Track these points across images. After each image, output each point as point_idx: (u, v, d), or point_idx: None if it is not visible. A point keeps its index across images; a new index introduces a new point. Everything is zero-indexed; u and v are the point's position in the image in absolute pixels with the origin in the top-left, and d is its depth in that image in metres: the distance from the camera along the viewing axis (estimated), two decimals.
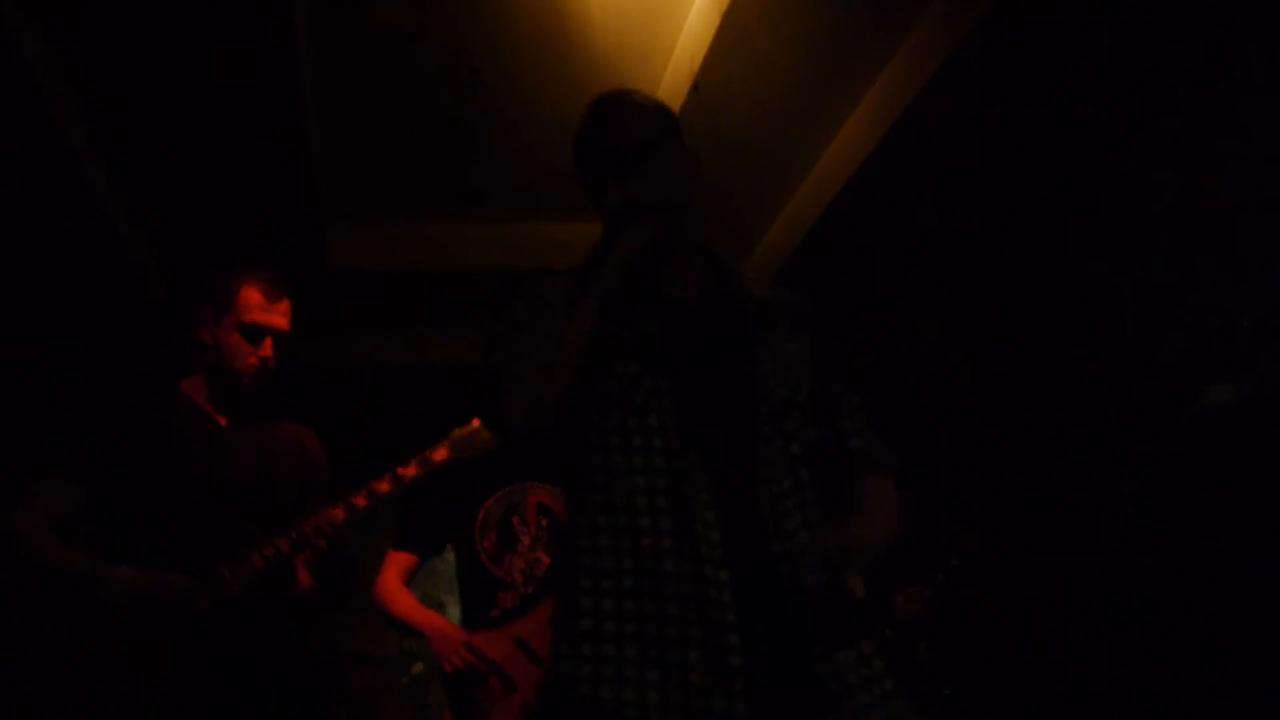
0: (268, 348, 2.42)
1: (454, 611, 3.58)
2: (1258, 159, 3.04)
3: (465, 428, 2.54)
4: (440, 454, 2.49)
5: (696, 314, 1.73)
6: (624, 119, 1.74)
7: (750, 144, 4.00)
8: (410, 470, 2.44)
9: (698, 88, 3.54)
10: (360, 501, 2.37)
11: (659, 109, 1.79)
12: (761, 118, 3.87)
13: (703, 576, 1.53)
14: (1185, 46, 3.20)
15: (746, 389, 1.66)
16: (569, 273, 1.73)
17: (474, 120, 4.01)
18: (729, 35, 3.33)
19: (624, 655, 1.53)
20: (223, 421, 2.46)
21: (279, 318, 2.45)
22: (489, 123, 4.03)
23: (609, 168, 1.70)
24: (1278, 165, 2.96)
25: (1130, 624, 3.49)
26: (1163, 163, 3.43)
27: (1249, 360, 3.01)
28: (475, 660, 2.76)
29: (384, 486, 2.42)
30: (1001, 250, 4.30)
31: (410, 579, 3.11)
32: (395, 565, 3.04)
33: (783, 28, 3.39)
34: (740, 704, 1.47)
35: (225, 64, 3.27)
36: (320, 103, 3.70)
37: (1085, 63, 3.31)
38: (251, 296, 2.42)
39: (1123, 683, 3.51)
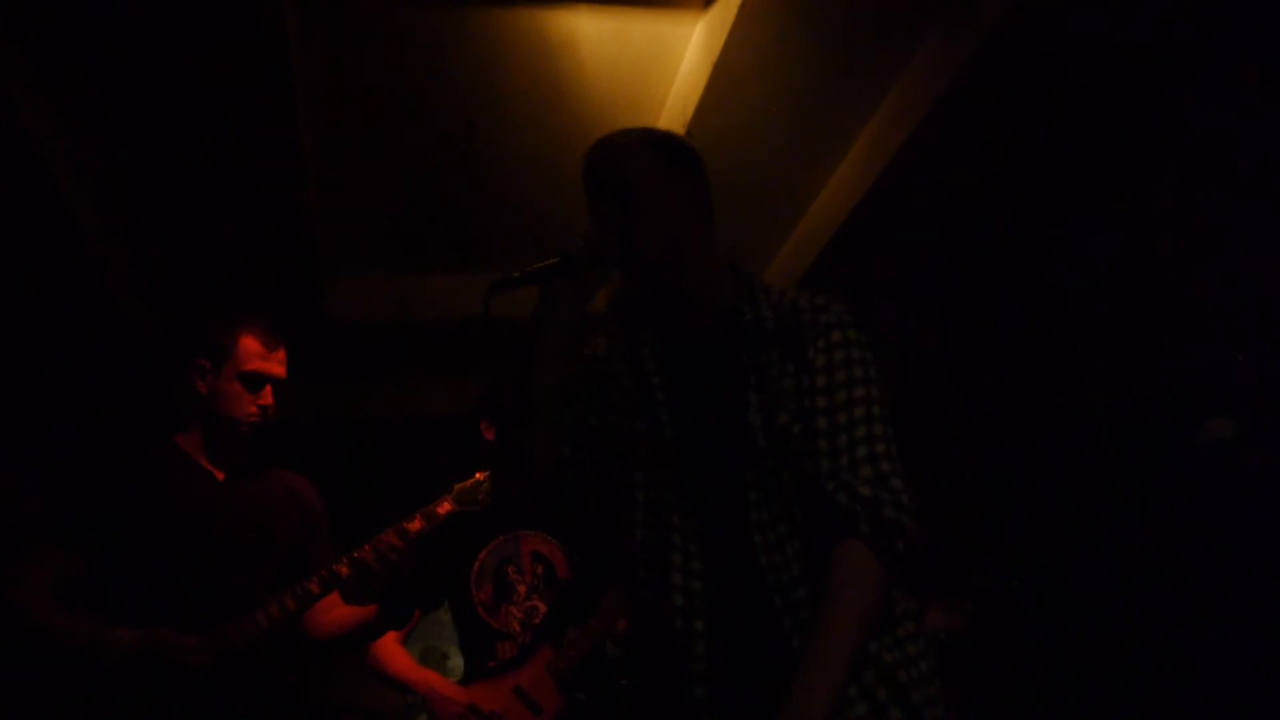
0: (268, 396, 2.42)
1: (456, 662, 3.55)
2: (1253, 192, 3.07)
3: (468, 480, 2.53)
4: (444, 507, 2.48)
5: (701, 357, 1.68)
6: (589, 168, 1.71)
7: (744, 191, 4.05)
8: (415, 524, 2.42)
9: (691, 136, 3.57)
10: (367, 557, 2.36)
11: (638, 153, 1.70)
12: (755, 165, 3.91)
13: (673, 630, 1.53)
14: (1176, 83, 3.25)
15: (735, 430, 1.58)
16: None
17: (469, 172, 4.05)
18: (721, 84, 3.38)
19: (633, 706, 1.64)
20: (220, 476, 2.45)
21: (277, 365, 2.45)
22: (484, 175, 4.07)
23: (589, 209, 1.70)
24: (1272, 198, 2.99)
25: (1130, 657, 3.47)
26: (1158, 196, 3.46)
27: (1247, 394, 3.02)
28: (475, 719, 2.74)
29: (389, 540, 2.41)
30: (995, 286, 4.33)
31: (410, 633, 3.09)
32: None
33: (775, 76, 3.45)
34: None
35: (225, 122, 3.31)
36: (317, 157, 3.73)
37: (1075, 100, 3.35)
38: (251, 345, 2.42)
39: (1124, 712, 3.49)
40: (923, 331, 4.71)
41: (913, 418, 4.78)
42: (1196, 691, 3.17)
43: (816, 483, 1.52)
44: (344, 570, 2.33)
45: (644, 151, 1.70)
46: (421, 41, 3.36)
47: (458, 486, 2.53)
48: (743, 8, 3.09)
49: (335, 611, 2.55)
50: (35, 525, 2.31)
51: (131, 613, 2.19)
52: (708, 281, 1.70)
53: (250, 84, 3.14)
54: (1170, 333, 3.42)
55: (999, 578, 3.58)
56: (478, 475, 2.55)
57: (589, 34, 3.41)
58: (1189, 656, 3.22)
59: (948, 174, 3.76)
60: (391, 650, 2.98)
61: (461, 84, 3.57)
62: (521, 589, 2.95)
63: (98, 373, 4.35)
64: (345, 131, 3.72)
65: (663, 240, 1.65)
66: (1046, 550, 3.94)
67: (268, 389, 2.42)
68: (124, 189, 3.66)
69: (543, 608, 2.92)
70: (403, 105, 3.65)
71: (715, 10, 3.29)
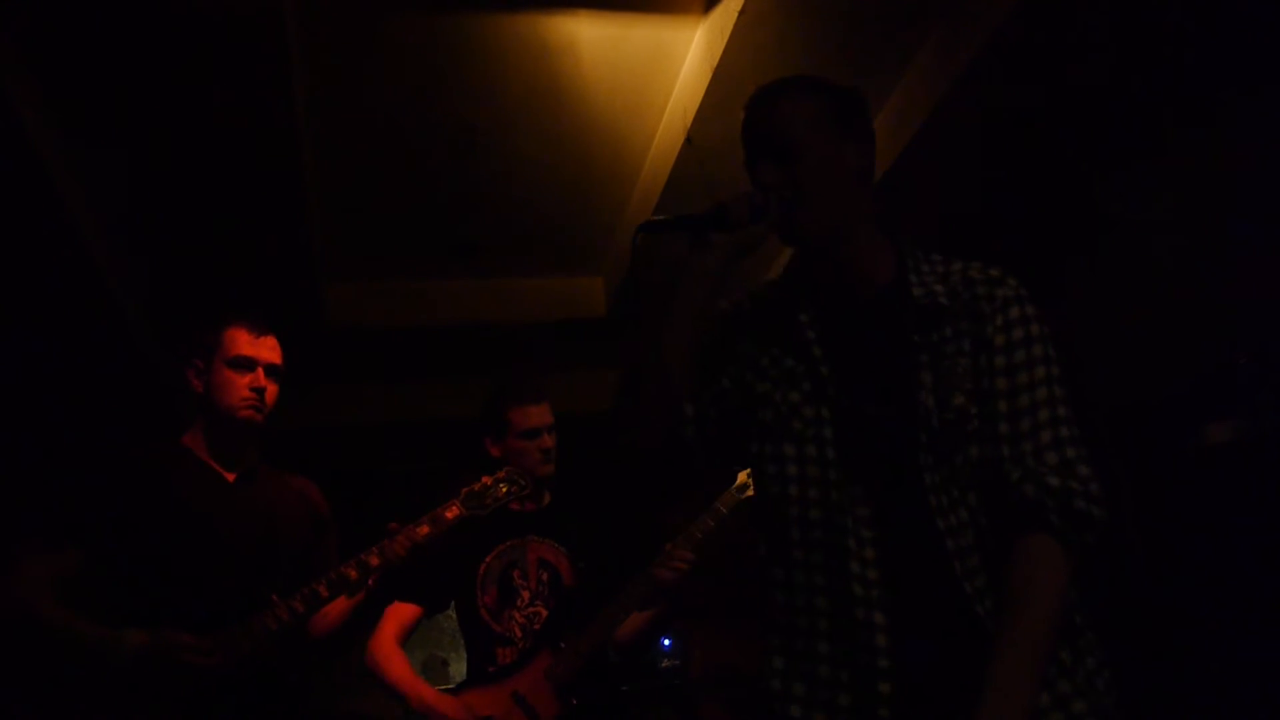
0: (260, 379, 2.42)
1: (457, 668, 3.53)
2: (1254, 197, 3.07)
3: (476, 485, 2.53)
4: (452, 512, 2.47)
5: (866, 332, 1.57)
6: (750, 123, 1.60)
7: None
8: (422, 529, 2.42)
9: (691, 141, 3.58)
10: (374, 560, 2.35)
11: (806, 110, 1.57)
12: None
13: (853, 619, 1.43)
14: (1178, 88, 3.25)
15: (908, 412, 1.48)
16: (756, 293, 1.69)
17: (470, 178, 4.05)
18: (721, 88, 3.38)
19: (792, 694, 1.49)
20: (230, 477, 2.45)
21: (266, 351, 2.46)
22: (485, 180, 4.07)
23: (747, 167, 1.59)
24: (1273, 203, 3.00)
25: (1131, 663, 3.47)
26: (1159, 202, 3.46)
27: (1249, 398, 3.03)
28: None
29: (396, 545, 2.40)
30: None
31: (411, 633, 3.07)
32: (395, 619, 2.99)
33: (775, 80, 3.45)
34: None
35: (225, 128, 3.32)
36: (318, 162, 3.73)
37: (1075, 100, 3.35)
38: (236, 334, 2.44)
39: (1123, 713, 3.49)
40: None
41: None
42: (1195, 694, 3.17)
43: (998, 470, 1.44)
44: (352, 574, 2.33)
45: (813, 109, 1.57)
46: (422, 47, 3.36)
47: (465, 491, 2.52)
48: (742, 12, 3.09)
49: (335, 602, 2.54)
50: (40, 524, 2.29)
51: (139, 613, 2.18)
52: (869, 251, 1.60)
53: (250, 90, 3.14)
54: (1170, 335, 3.42)
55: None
56: (485, 479, 2.55)
57: (589, 39, 3.42)
58: (1188, 660, 3.23)
59: (947, 177, 3.76)
60: (389, 654, 2.94)
61: (462, 89, 3.58)
62: (525, 594, 2.94)
63: (100, 379, 4.36)
64: (346, 136, 3.73)
65: (827, 209, 1.55)
66: None
67: (259, 372, 2.43)
68: (124, 197, 3.66)
69: (545, 613, 2.92)
70: (403, 110, 3.65)
71: (715, 15, 3.30)
